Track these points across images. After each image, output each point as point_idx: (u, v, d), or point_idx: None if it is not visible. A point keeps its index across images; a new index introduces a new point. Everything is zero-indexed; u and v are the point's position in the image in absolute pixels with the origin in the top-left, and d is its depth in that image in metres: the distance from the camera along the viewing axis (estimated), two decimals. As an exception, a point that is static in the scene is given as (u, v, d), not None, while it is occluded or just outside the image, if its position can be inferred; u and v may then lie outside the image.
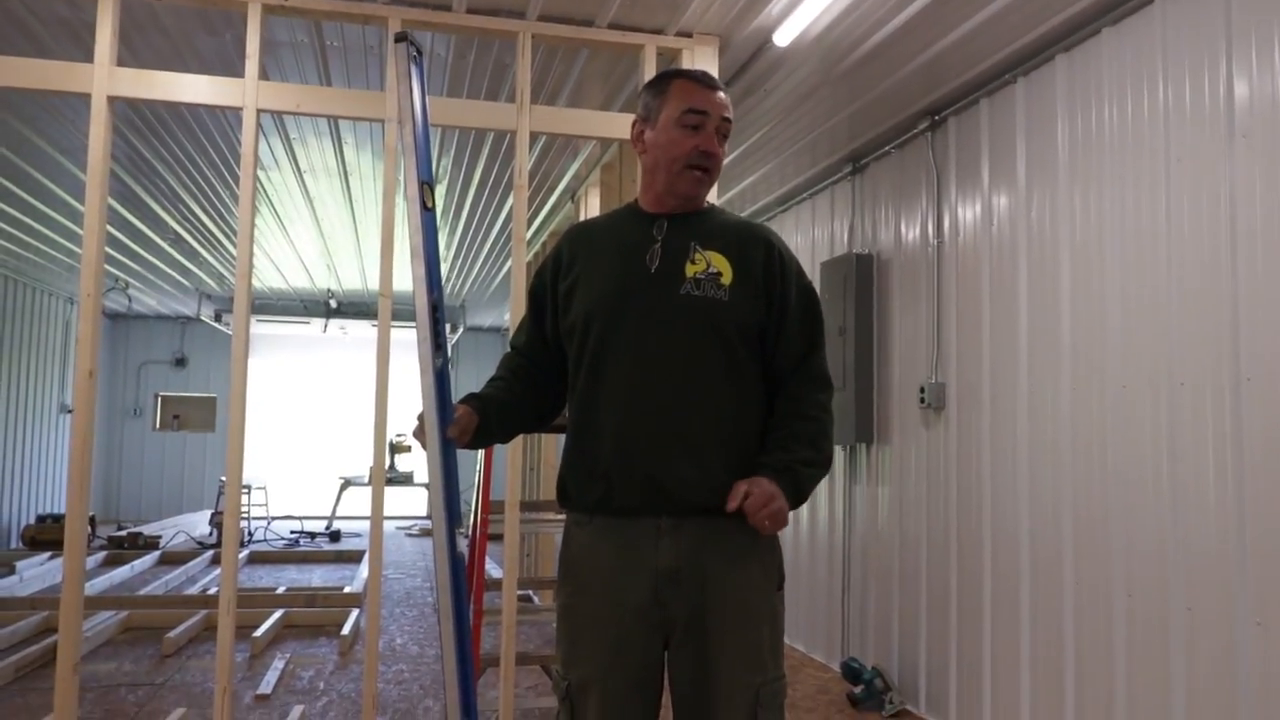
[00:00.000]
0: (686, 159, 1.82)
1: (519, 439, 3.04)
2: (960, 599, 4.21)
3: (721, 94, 1.86)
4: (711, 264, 1.81)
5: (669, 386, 1.76)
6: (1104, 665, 3.31)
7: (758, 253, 1.85)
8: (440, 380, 1.79)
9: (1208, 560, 2.90)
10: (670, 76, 1.90)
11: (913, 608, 4.59)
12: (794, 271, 1.89)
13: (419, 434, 1.80)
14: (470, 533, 4.11)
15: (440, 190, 6.47)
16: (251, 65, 3.34)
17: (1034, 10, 3.42)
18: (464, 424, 1.81)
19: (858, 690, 4.66)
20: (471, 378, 12.53)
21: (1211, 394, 2.91)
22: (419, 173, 1.83)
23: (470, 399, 1.85)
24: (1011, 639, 3.82)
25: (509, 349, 2.05)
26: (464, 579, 1.84)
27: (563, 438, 1.95)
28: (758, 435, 1.82)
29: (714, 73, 3.72)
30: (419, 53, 1.88)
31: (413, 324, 1.81)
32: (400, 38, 1.84)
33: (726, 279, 1.81)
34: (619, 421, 1.77)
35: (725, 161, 4.15)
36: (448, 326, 13.02)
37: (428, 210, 1.82)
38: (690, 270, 1.80)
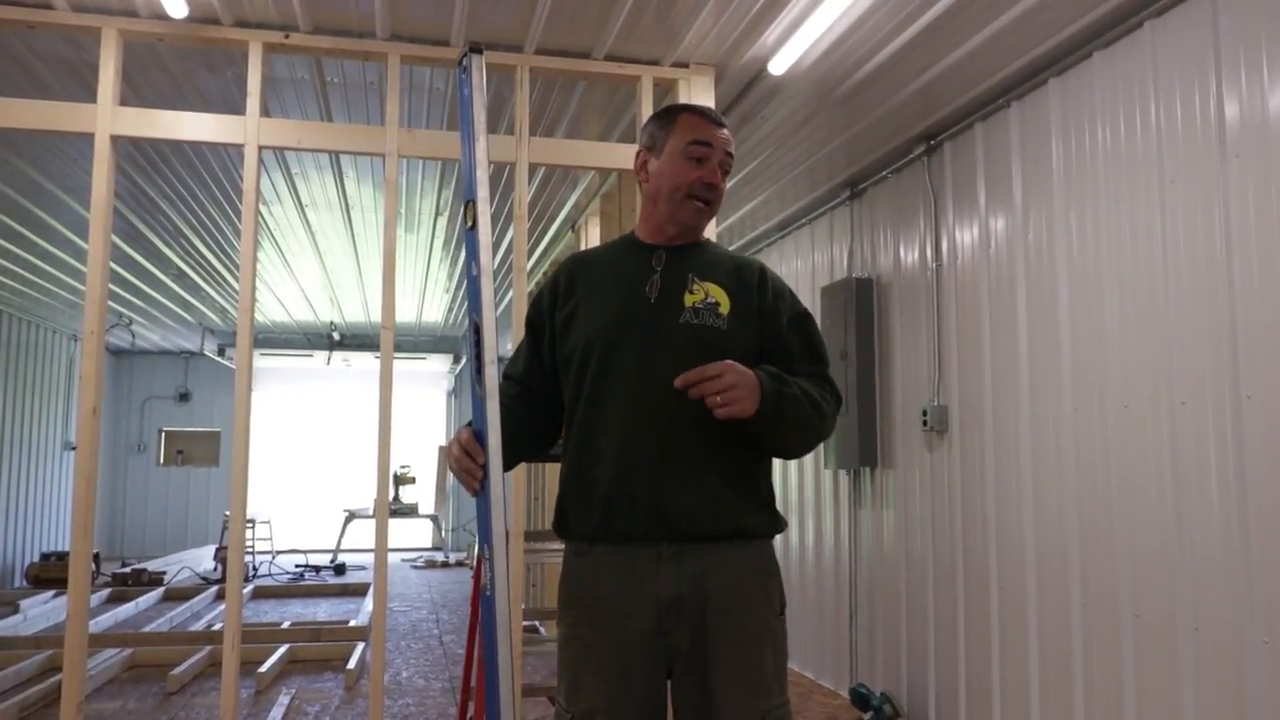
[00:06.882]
0: (689, 189, 1.86)
1: (521, 467, 3.05)
2: (967, 622, 4.19)
3: (726, 131, 1.91)
4: (709, 294, 1.84)
5: (669, 413, 1.76)
6: (1113, 686, 3.29)
7: (751, 280, 1.88)
8: (482, 406, 1.73)
9: (1214, 579, 2.89)
10: (678, 110, 1.95)
11: (920, 632, 4.57)
12: (787, 296, 1.92)
13: (458, 462, 1.73)
14: (475, 564, 4.09)
15: (442, 222, 6.52)
16: (253, 102, 3.39)
17: (1025, 35, 3.46)
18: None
19: (866, 717, 4.63)
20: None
21: (1213, 412, 2.91)
22: (465, 191, 1.80)
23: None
24: (1019, 661, 3.80)
25: (504, 378, 2.02)
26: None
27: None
28: (759, 462, 1.83)
29: (710, 102, 3.76)
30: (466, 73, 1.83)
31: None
32: (476, 49, 1.78)
33: (724, 308, 1.83)
34: (619, 446, 1.77)
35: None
36: (451, 357, 13.13)
37: (470, 229, 1.77)
38: (689, 300, 1.83)
